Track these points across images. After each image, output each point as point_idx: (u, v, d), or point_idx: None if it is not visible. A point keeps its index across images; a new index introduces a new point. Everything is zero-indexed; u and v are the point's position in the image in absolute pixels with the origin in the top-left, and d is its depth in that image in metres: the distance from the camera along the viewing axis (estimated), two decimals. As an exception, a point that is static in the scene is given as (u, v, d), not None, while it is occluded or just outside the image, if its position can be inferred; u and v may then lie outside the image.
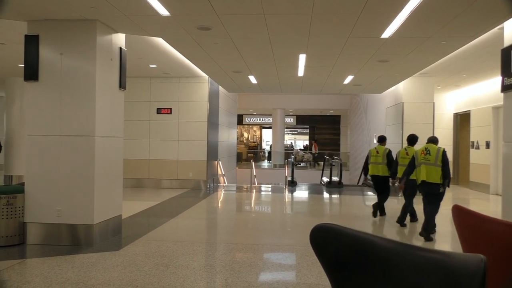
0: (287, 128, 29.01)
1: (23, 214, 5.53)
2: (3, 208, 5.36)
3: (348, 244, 1.57)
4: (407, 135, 7.51)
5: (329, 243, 1.62)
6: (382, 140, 8.27)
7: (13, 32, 6.67)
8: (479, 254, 1.37)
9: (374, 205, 7.96)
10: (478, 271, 1.38)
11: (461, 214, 3.20)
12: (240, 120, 26.43)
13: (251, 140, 32.66)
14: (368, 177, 8.30)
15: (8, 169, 11.91)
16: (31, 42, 5.46)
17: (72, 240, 5.51)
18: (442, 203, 8.20)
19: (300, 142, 32.71)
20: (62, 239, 5.51)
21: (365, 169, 8.32)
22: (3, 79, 11.96)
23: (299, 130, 32.79)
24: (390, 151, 7.87)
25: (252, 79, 10.69)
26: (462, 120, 14.08)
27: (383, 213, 8.02)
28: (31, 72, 5.48)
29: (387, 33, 6.05)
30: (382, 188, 7.92)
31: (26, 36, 5.49)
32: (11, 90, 12.06)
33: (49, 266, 4.59)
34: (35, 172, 5.59)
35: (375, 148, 8.10)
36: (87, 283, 4.09)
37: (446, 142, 13.18)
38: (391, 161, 7.66)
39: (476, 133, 12.60)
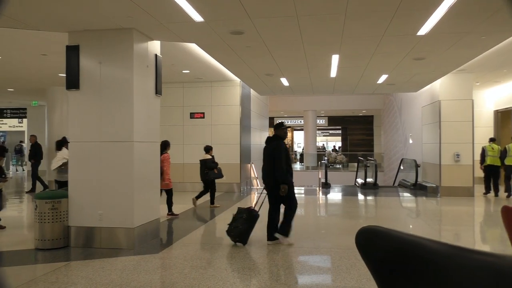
0: (318, 129, 28.75)
1: (67, 218, 5.74)
2: (48, 213, 5.58)
3: (395, 247, 1.51)
4: None
5: (376, 246, 1.57)
6: (493, 140, 11.20)
7: (54, 44, 6.95)
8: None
9: (485, 187, 11.13)
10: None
11: (511, 215, 3.07)
12: (271, 122, 26.42)
13: (283, 143, 32.52)
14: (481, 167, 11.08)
15: (51, 175, 12.38)
16: (72, 52, 5.68)
17: (113, 243, 5.66)
18: (489, 205, 8.44)
19: (332, 143, 32.33)
20: (104, 242, 5.68)
21: (482, 160, 11.05)
22: (45, 88, 12.49)
23: (330, 131, 32.43)
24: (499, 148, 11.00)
25: (284, 81, 10.67)
26: (503, 117, 13.51)
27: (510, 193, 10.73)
28: (73, 81, 5.69)
29: (424, 30, 5.89)
30: (495, 173, 10.97)
31: (67, 46, 5.72)
32: (52, 99, 12.58)
33: (93, 269, 4.74)
34: (77, 177, 5.79)
35: (490, 145, 10.97)
36: (130, 285, 4.18)
37: (486, 140, 12.67)
38: (502, 155, 10.76)
39: (519, 130, 12.07)
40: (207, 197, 9.45)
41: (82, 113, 5.78)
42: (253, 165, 13.61)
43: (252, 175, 13.60)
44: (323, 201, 11.33)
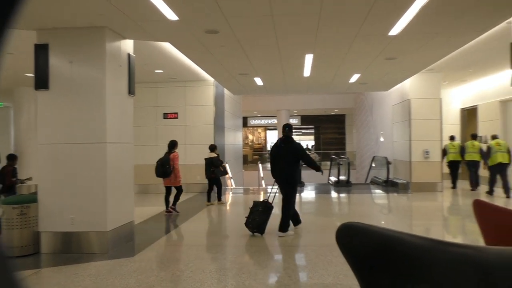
0: (291, 129, 28.92)
1: (36, 224, 5.53)
2: (16, 219, 5.36)
3: (376, 242, 1.54)
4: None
5: (357, 242, 1.59)
6: (453, 138, 12.17)
7: (21, 42, 6.68)
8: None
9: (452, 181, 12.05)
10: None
11: (482, 208, 3.17)
12: (244, 122, 26.41)
13: (256, 142, 32.64)
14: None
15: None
16: (41, 51, 5.47)
17: (86, 248, 5.50)
18: (460, 199, 8.74)
19: (305, 142, 32.61)
20: (76, 247, 5.51)
21: (443, 157, 11.67)
22: (11, 89, 12.01)
23: (303, 131, 32.73)
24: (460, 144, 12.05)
25: (258, 81, 10.67)
26: (469, 115, 14.00)
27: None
28: (42, 81, 5.49)
29: (395, 30, 6.01)
30: (457, 167, 12.20)
31: (35, 45, 5.50)
32: (19, 100, 12.11)
33: (65, 275, 4.59)
34: (47, 181, 5.59)
35: (450, 143, 11.89)
36: (105, 290, 4.08)
37: (454, 138, 13.11)
38: (462, 152, 11.69)
39: (484, 127, 12.53)
40: (204, 195, 9.39)
41: (52, 114, 5.58)
42: (227, 165, 13.53)
43: (227, 175, 13.51)
44: (297, 200, 11.39)
